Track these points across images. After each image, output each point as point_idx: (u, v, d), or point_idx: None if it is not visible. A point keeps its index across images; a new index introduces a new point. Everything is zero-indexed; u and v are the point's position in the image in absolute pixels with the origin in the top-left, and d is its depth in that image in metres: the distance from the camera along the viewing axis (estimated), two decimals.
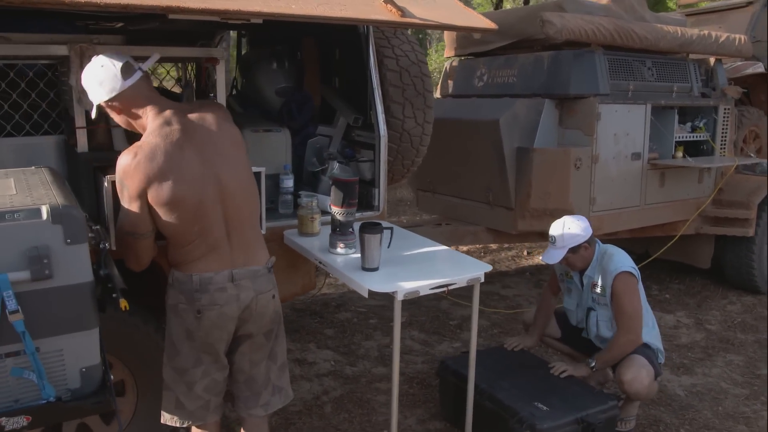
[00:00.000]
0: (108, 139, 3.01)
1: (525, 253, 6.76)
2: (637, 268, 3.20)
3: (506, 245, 6.78)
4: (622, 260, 3.19)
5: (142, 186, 2.04)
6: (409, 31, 3.63)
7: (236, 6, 1.99)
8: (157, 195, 2.04)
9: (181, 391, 2.26)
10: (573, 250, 3.18)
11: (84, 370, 1.95)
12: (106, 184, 2.49)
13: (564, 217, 3.28)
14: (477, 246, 6.64)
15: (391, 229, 2.65)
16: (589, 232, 3.20)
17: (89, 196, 2.78)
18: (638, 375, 3.03)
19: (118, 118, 2.21)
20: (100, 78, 2.10)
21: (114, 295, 1.95)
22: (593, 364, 3.15)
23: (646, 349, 3.18)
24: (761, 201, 5.12)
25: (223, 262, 2.17)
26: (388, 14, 2.27)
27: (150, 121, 2.12)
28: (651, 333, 3.24)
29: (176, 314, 2.20)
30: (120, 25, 3.83)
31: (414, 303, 4.95)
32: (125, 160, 2.06)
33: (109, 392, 1.98)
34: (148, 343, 2.76)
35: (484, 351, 3.64)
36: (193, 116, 2.16)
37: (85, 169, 2.77)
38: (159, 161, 2.03)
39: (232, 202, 2.17)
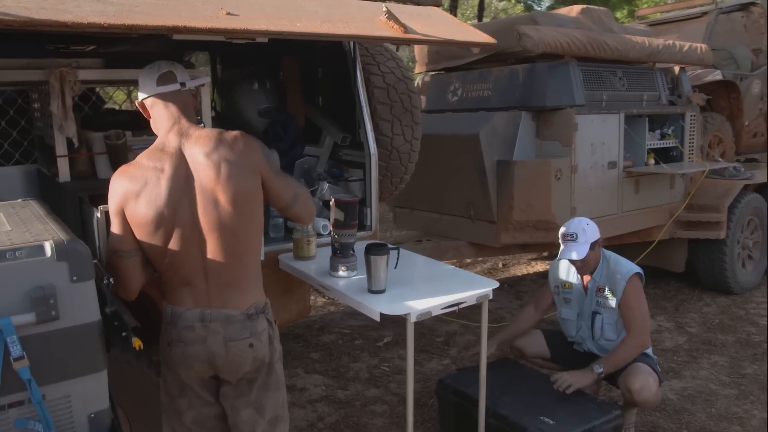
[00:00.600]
0: (90, 167, 2.88)
1: (500, 265, 6.78)
2: (639, 267, 3.24)
3: (480, 259, 6.78)
4: (629, 263, 3.21)
5: (119, 202, 1.99)
6: (391, 48, 3.60)
7: (242, 25, 1.92)
8: (130, 214, 1.98)
9: (173, 418, 2.18)
10: (592, 248, 3.16)
11: (92, 415, 1.82)
12: (98, 214, 2.37)
13: (574, 218, 3.31)
14: (452, 261, 6.61)
15: (398, 249, 2.59)
16: (599, 234, 3.22)
17: (74, 228, 2.65)
18: (647, 383, 3.03)
19: (151, 121, 2.15)
20: (143, 78, 2.07)
21: (124, 334, 1.84)
22: (600, 369, 3.09)
23: (645, 357, 3.19)
24: (731, 204, 5.24)
25: (197, 300, 2.05)
26: (390, 31, 2.24)
27: (157, 138, 2.07)
28: None
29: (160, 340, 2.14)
30: (91, 48, 3.72)
31: (396, 321, 4.87)
32: (113, 178, 2.04)
33: None
34: (140, 380, 2.63)
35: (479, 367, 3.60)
36: (195, 146, 2.03)
37: (69, 199, 2.64)
38: (136, 180, 1.98)
39: (214, 239, 2.02)
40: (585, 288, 3.33)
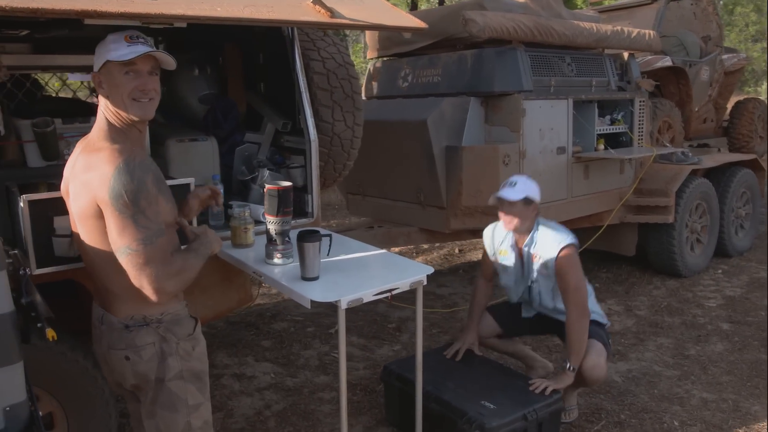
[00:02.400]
0: (20, 155, 2.82)
1: (457, 251, 6.81)
2: (574, 235, 3.22)
3: (437, 244, 6.81)
4: (560, 233, 3.18)
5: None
6: (333, 33, 3.57)
7: (158, 9, 1.87)
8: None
9: None
10: (527, 202, 3.14)
11: (8, 408, 1.79)
12: (21, 204, 2.32)
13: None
14: (409, 246, 6.64)
15: (330, 236, 2.58)
16: (539, 199, 3.21)
17: (2, 218, 2.59)
18: (598, 362, 3.10)
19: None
20: (100, 49, 1.85)
21: (39, 325, 1.81)
22: (569, 365, 3.09)
23: (597, 329, 3.23)
24: (679, 189, 5.33)
25: (98, 298, 2.00)
26: (317, 15, 2.21)
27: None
28: (590, 299, 3.25)
29: None
30: (25, 32, 3.61)
31: (349, 308, 4.88)
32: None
33: (38, 430, 1.83)
34: (76, 372, 2.58)
35: (426, 352, 3.59)
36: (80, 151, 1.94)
37: None
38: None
39: (79, 248, 1.98)
40: (521, 255, 3.30)
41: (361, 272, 2.60)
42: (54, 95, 3.87)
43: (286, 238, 2.67)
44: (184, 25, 2.00)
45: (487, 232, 3.48)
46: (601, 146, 5.06)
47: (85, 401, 2.60)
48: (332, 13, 2.22)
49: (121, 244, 1.79)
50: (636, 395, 3.64)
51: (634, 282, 5.60)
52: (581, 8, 10.44)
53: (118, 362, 1.94)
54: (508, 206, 3.15)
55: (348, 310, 4.73)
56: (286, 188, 2.60)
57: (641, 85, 5.29)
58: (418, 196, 4.66)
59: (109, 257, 1.84)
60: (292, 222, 3.06)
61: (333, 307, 2.36)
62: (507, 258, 3.36)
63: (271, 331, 4.67)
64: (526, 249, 3.26)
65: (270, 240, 2.67)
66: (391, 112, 4.74)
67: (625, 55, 5.33)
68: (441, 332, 4.60)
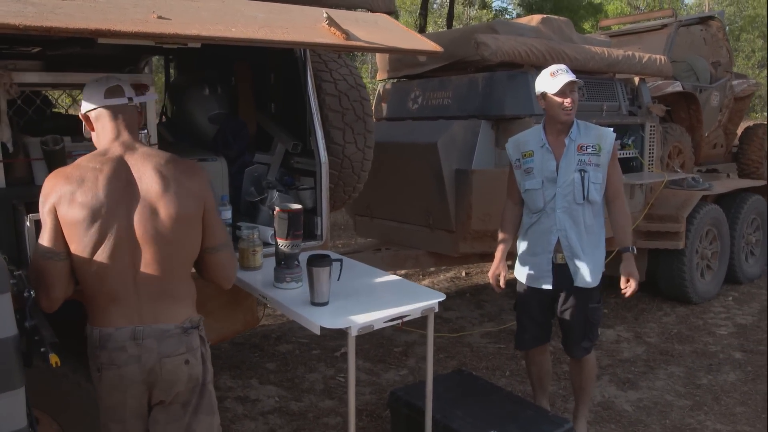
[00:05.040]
0: (28, 173, 2.78)
1: (464, 274, 6.75)
2: None
3: (444, 267, 6.75)
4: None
5: (52, 200, 1.92)
6: (345, 55, 3.55)
7: (172, 29, 1.85)
8: (63, 213, 1.91)
9: None
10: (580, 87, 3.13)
11: None
12: (28, 223, 2.29)
13: None
14: (415, 269, 6.58)
15: (341, 261, 2.54)
16: None
17: (8, 237, 2.55)
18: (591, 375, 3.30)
19: (91, 135, 2.13)
20: (90, 90, 2.06)
21: (42, 350, 1.76)
22: (631, 248, 3.18)
23: (593, 319, 3.27)
24: (689, 214, 5.28)
25: (126, 317, 1.97)
26: (332, 37, 2.18)
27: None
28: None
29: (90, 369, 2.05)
30: (37, 49, 3.60)
31: None
32: (48, 177, 1.99)
33: None
34: (78, 394, 2.53)
35: (435, 378, 3.54)
36: (143, 158, 2.01)
37: (3, 206, 2.54)
38: (72, 179, 1.93)
39: (148, 249, 1.96)
40: (553, 149, 3.11)
41: (372, 298, 2.54)
42: (64, 112, 3.86)
43: (296, 262, 2.63)
44: (198, 45, 1.98)
45: (511, 140, 3.30)
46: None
47: (86, 424, 2.54)
48: (347, 35, 2.19)
49: (225, 237, 2.15)
50: (647, 425, 3.57)
51: (643, 308, 5.53)
52: (590, 33, 10.47)
53: (175, 369, 1.99)
54: (571, 94, 3.03)
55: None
56: (296, 211, 2.57)
57: (652, 110, 5.26)
58: (427, 219, 4.62)
59: (190, 259, 2.07)
60: (302, 245, 3.03)
61: (340, 330, 2.31)
62: (532, 159, 3.14)
63: (276, 353, 4.61)
64: (569, 140, 3.08)
65: (279, 263, 2.62)
66: (401, 134, 4.72)
67: (636, 79, 5.31)
68: (448, 357, 4.53)
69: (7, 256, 2.16)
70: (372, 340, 4.80)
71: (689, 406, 3.80)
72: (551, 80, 3.04)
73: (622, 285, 3.14)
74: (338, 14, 2.30)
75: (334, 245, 7.83)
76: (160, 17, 1.91)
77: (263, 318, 5.00)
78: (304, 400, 3.88)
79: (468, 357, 4.54)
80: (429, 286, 6.22)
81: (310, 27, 2.20)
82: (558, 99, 3.02)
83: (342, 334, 2.33)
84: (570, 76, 3.02)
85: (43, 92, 3.66)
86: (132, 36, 1.78)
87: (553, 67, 3.10)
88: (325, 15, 2.16)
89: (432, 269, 6.77)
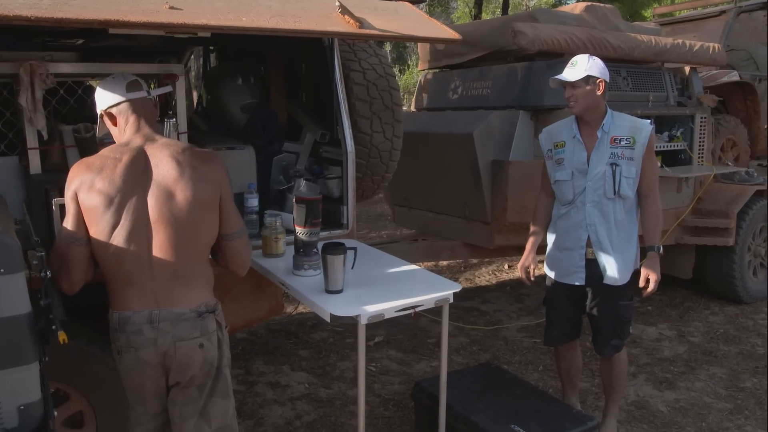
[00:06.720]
0: (62, 160, 2.89)
1: (506, 266, 6.67)
2: None
3: (486, 259, 6.69)
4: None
5: (74, 187, 2.02)
6: (374, 43, 3.55)
7: (182, 19, 1.89)
8: (83, 199, 2.00)
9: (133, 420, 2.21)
10: (590, 81, 2.96)
11: (22, 407, 1.82)
12: (54, 207, 2.38)
13: None
14: (457, 261, 6.54)
15: (355, 249, 2.54)
16: (608, 77, 3.04)
17: (41, 220, 2.66)
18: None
19: (113, 131, 2.21)
20: (108, 86, 2.15)
21: (54, 327, 1.83)
22: (658, 247, 3.01)
23: (623, 317, 3.13)
24: (741, 210, 5.06)
25: (144, 301, 2.04)
26: (345, 26, 2.18)
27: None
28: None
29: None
30: (80, 41, 3.74)
31: (391, 321, 4.83)
32: (72, 166, 2.08)
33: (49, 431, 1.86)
34: (107, 372, 2.63)
35: (460, 371, 3.54)
36: (161, 147, 2.09)
37: (37, 191, 2.65)
38: (93, 168, 2.02)
39: (163, 232, 2.01)
40: (584, 141, 3.05)
41: (387, 287, 2.54)
42: None
43: (314, 250, 2.65)
44: (208, 34, 2.01)
45: (544, 130, 3.26)
46: (658, 164, 4.85)
47: (114, 401, 2.64)
48: (361, 23, 2.19)
49: (241, 224, 2.20)
50: (682, 427, 3.46)
51: (689, 306, 5.34)
52: (648, 20, 10.13)
53: (189, 352, 2.05)
54: (570, 88, 2.99)
55: (389, 323, 4.72)
56: (314, 199, 2.59)
57: (703, 100, 5.05)
58: (463, 210, 4.58)
59: (207, 244, 2.12)
60: (327, 233, 3.05)
61: (351, 318, 2.32)
62: (563, 150, 3.09)
63: (310, 341, 4.67)
64: (601, 132, 3.01)
65: (298, 251, 2.65)
66: (439, 125, 4.68)
67: (687, 69, 5.11)
68: (481, 350, 4.49)
69: (40, 239, 2.27)
70: (407, 330, 4.81)
71: (729, 409, 3.66)
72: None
73: (641, 284, 3.03)
74: (354, 3, 2.30)
75: (378, 235, 7.86)
76: (172, 7, 1.95)
77: (299, 305, 5.09)
78: (333, 388, 3.92)
79: (502, 350, 4.49)
80: (469, 278, 6.22)
81: (324, 16, 2.21)
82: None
83: (377, 323, 2.34)
84: (568, 72, 2.98)
85: (87, 82, 3.79)
86: (141, 26, 1.82)
87: (573, 58, 3.03)
88: (337, 3, 2.17)
89: (474, 261, 6.71)
